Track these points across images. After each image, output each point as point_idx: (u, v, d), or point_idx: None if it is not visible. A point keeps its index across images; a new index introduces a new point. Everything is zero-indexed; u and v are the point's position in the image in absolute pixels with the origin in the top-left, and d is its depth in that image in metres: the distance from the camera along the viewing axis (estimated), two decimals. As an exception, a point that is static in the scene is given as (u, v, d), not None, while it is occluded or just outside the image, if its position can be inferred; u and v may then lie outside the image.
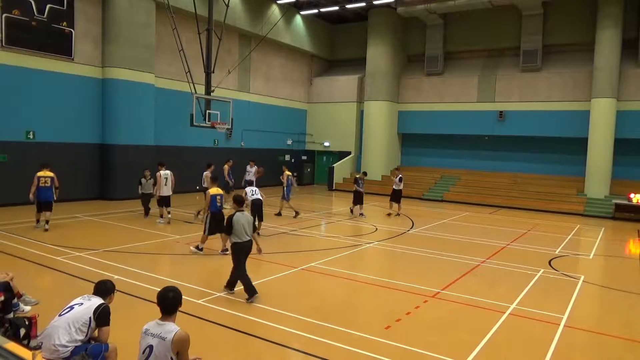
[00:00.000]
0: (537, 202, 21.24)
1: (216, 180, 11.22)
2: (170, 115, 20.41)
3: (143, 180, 14.66)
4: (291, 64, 27.97)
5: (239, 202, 7.84)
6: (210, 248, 10.92)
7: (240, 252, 7.50)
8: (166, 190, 13.84)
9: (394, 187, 17.54)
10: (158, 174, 13.84)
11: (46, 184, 12.15)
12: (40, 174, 12.16)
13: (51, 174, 12.33)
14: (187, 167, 19.75)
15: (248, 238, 7.54)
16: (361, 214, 16.94)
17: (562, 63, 22.93)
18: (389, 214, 17.50)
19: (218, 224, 10.13)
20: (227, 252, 9.56)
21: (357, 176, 17.42)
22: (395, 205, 17.58)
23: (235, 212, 7.61)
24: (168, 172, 14.01)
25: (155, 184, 14.05)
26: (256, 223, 12.32)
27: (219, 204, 10.41)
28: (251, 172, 17.95)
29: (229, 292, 7.67)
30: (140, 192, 14.75)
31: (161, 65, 20.08)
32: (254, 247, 7.75)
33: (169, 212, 14.06)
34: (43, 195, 12.08)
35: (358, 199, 17.00)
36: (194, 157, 21.27)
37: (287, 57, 27.52)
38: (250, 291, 7.36)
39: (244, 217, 7.58)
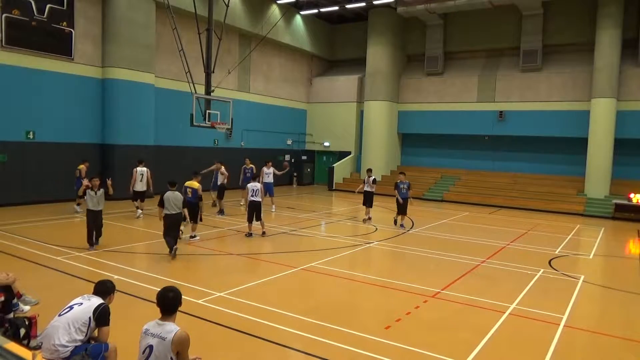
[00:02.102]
0: (537, 202, 21.24)
1: (195, 174, 12.23)
2: (170, 115, 20.40)
3: (90, 192, 10.16)
4: (291, 64, 27.97)
5: (171, 183, 10.25)
6: (208, 248, 10.93)
7: (168, 220, 9.96)
8: (140, 186, 14.62)
9: (367, 189, 15.44)
10: (135, 170, 14.61)
11: (80, 176, 14.76)
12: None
13: (82, 167, 14.94)
14: (187, 167, 19.66)
15: (174, 211, 9.95)
16: (401, 225, 14.80)
17: (562, 63, 22.93)
18: (365, 220, 15.60)
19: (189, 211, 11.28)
20: (197, 239, 11.60)
21: (398, 181, 14.78)
22: (368, 209, 15.64)
23: (166, 191, 10.08)
24: (144, 169, 14.73)
25: (108, 193, 10.91)
26: (254, 222, 12.43)
27: (189, 196, 11.49)
28: (269, 173, 17.18)
29: (171, 253, 9.84)
30: (88, 206, 10.27)
31: (161, 65, 20.07)
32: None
33: (142, 208, 14.77)
34: (76, 185, 14.57)
35: (401, 208, 14.71)
36: (194, 157, 21.27)
37: (287, 57, 27.51)
38: (169, 246, 9.85)
39: (172, 195, 10.01)
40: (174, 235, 10.01)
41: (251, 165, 17.33)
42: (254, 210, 12.31)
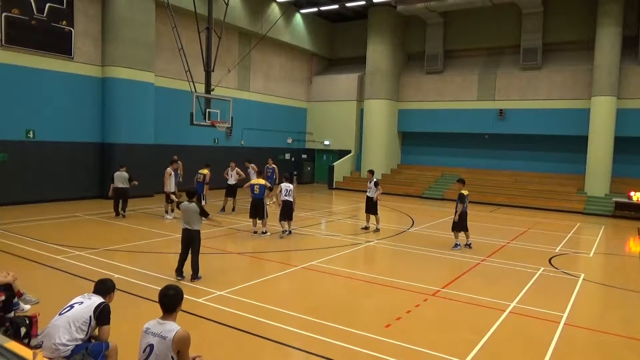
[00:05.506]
0: (537, 200, 21.24)
1: (260, 174, 13.52)
2: (170, 114, 20.40)
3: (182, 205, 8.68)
4: (291, 63, 27.95)
5: (121, 165, 13.97)
6: (209, 247, 10.93)
7: (115, 192, 13.97)
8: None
9: (369, 194, 13.62)
10: (167, 170, 14.66)
11: (198, 180, 15.41)
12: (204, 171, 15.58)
13: (205, 171, 15.48)
14: (186, 166, 19.64)
15: (121, 185, 13.70)
16: (468, 245, 11.84)
17: (562, 61, 22.91)
18: (365, 227, 14.00)
19: (253, 208, 12.51)
20: (267, 235, 12.41)
21: (464, 192, 11.88)
22: (372, 217, 13.84)
23: (116, 171, 14.08)
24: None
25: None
26: (286, 224, 12.60)
27: (256, 192, 12.37)
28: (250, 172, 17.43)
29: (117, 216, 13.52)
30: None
31: (161, 64, 20.06)
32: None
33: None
34: (198, 191, 14.29)
35: (461, 223, 11.67)
36: (194, 156, 21.24)
37: (287, 56, 27.50)
38: (115, 211, 13.97)
39: (119, 174, 13.89)
40: (123, 206, 14.03)
41: (273, 166, 17.90)
42: (287, 210, 12.40)
